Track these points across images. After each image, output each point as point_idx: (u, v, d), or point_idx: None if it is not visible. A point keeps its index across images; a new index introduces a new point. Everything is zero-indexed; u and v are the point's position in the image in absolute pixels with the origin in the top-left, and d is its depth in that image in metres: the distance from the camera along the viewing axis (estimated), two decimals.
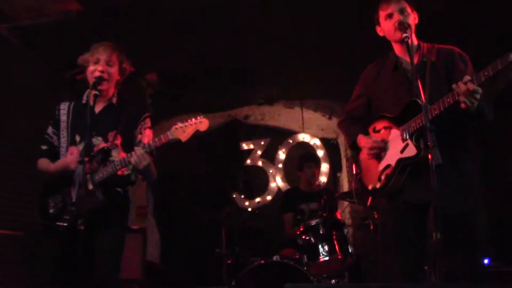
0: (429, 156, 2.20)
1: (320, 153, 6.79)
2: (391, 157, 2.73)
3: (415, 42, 2.81)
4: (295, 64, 5.50)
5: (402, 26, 2.61)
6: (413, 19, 2.80)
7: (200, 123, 2.79)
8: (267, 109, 6.90)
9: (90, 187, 2.77)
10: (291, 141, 6.92)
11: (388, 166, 2.73)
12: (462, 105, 2.44)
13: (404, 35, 2.56)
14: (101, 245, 2.81)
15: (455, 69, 2.69)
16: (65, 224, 2.48)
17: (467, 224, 2.62)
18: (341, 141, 6.69)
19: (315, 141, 6.87)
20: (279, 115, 6.96)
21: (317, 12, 4.36)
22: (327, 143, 6.91)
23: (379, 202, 4.32)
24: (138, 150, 2.75)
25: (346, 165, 6.56)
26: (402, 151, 2.67)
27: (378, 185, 2.77)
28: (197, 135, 2.83)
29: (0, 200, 4.28)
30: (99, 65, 2.92)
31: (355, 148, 3.02)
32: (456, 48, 2.83)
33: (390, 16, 2.79)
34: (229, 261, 4.44)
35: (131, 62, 3.12)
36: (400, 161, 2.67)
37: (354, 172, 3.02)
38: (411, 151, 2.62)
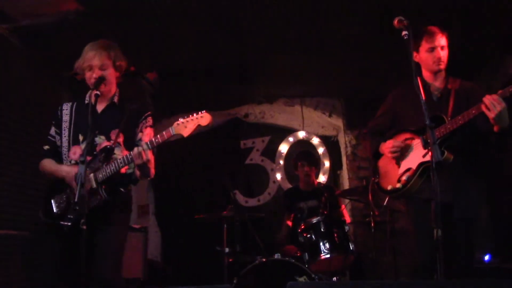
0: (430, 153, 2.37)
1: (321, 150, 6.81)
2: (412, 161, 3.04)
3: (443, 74, 3.18)
4: (295, 62, 5.50)
5: (402, 24, 2.64)
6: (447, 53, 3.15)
7: (202, 117, 2.79)
8: (267, 107, 6.91)
9: (94, 185, 2.78)
10: (291, 139, 6.93)
11: (408, 169, 3.04)
12: (491, 114, 2.71)
13: (404, 32, 2.60)
14: (103, 244, 2.81)
15: (475, 99, 2.95)
16: (69, 224, 2.48)
17: (470, 228, 2.96)
18: (341, 138, 6.71)
19: (315, 139, 6.88)
20: (279, 113, 6.96)
21: (316, 9, 4.35)
22: (327, 140, 6.93)
23: (396, 205, 4.82)
24: (142, 146, 2.76)
25: (346, 163, 6.57)
26: (424, 156, 2.95)
27: (397, 185, 3.06)
28: (198, 132, 2.83)
29: (4, 200, 4.29)
30: (93, 72, 2.93)
31: (375, 156, 3.33)
32: (475, 85, 3.20)
33: (432, 50, 3.10)
34: (230, 260, 4.44)
35: (131, 61, 3.12)
36: (421, 164, 2.96)
37: (372, 178, 3.35)
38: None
